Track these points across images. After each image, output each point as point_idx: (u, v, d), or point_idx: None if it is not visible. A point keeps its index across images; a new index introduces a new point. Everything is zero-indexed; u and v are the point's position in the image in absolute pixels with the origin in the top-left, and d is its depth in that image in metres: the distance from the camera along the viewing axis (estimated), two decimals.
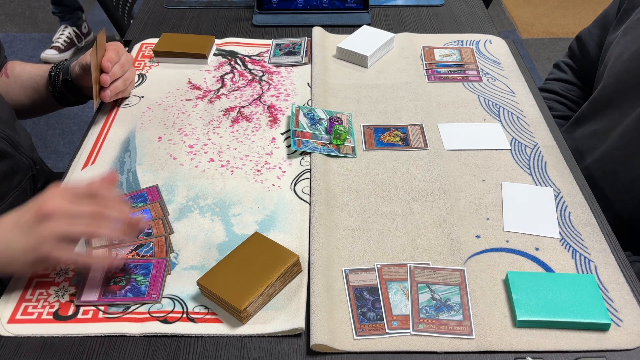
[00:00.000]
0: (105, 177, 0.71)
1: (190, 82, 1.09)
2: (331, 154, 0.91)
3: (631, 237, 0.93)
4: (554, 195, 0.84)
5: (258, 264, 0.71)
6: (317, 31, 1.19)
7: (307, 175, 0.88)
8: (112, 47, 0.97)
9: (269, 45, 1.19)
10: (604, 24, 1.13)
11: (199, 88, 1.07)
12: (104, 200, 0.68)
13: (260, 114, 1.01)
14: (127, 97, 1.05)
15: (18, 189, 0.91)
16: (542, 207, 0.82)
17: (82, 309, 0.70)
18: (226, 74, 1.11)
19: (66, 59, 1.11)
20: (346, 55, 1.13)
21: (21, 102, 1.04)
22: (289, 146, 0.94)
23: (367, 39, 1.14)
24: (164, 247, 0.77)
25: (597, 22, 1.16)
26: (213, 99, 1.04)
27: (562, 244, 0.77)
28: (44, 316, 0.69)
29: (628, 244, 0.90)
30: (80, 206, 0.66)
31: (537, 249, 0.76)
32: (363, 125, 0.97)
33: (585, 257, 0.75)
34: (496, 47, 1.16)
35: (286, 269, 0.71)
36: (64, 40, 2.71)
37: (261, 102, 1.04)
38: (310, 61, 1.13)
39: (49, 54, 2.65)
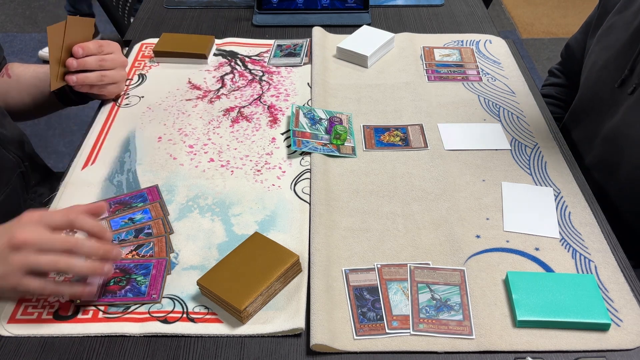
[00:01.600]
0: (92, 206, 0.68)
1: (190, 82, 1.09)
2: (331, 154, 0.91)
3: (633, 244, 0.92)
4: (554, 195, 0.84)
5: (258, 264, 0.71)
6: (317, 31, 1.19)
7: (307, 175, 0.88)
8: (98, 42, 0.95)
9: (269, 45, 1.19)
10: (587, 29, 1.12)
11: (199, 88, 1.07)
12: (82, 228, 0.64)
13: (260, 114, 1.01)
14: (124, 97, 1.05)
15: (8, 187, 0.90)
16: (542, 207, 0.82)
17: (82, 309, 0.70)
18: (226, 74, 1.11)
19: None
20: (346, 55, 1.13)
21: (23, 102, 1.04)
22: (289, 146, 0.94)
23: (367, 39, 1.14)
24: (164, 247, 0.77)
25: (582, 28, 1.16)
26: (213, 99, 1.04)
27: (562, 244, 0.77)
28: (44, 316, 0.69)
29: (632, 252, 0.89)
30: (53, 237, 0.62)
31: (537, 249, 0.76)
32: (363, 125, 0.97)
33: (585, 257, 0.75)
34: (496, 47, 1.16)
35: (286, 269, 0.71)
36: None
37: (261, 102, 1.04)
38: (310, 61, 1.13)
39: (46, 51, 2.66)
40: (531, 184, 0.85)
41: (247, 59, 1.15)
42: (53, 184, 0.87)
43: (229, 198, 0.85)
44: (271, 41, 1.20)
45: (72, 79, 0.93)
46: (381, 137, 0.94)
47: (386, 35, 1.15)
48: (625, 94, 0.91)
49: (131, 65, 1.13)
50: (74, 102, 1.04)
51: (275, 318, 0.68)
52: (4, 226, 0.65)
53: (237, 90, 1.07)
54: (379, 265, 0.74)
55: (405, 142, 0.93)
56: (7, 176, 0.91)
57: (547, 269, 0.73)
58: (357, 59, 1.12)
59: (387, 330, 0.67)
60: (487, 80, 1.07)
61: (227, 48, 1.18)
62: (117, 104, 1.03)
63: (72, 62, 0.92)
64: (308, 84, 1.08)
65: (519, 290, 0.69)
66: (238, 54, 1.16)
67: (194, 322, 0.68)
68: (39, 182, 1.01)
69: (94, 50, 0.94)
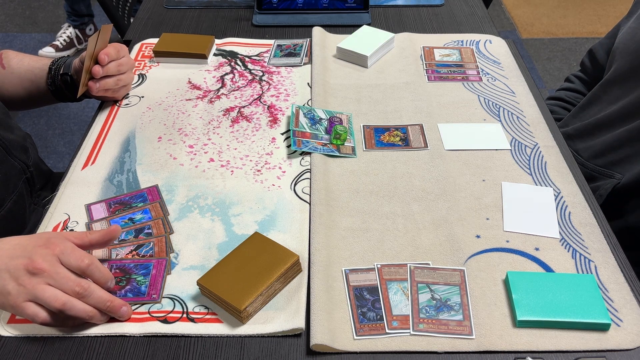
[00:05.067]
0: (106, 231, 0.70)
1: (190, 82, 1.09)
2: (331, 154, 0.91)
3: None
4: (554, 195, 0.84)
5: (258, 264, 0.71)
6: (317, 31, 1.19)
7: (307, 175, 0.88)
8: (114, 46, 0.97)
9: (269, 45, 1.19)
10: (615, 33, 1.13)
11: (199, 88, 1.07)
12: (91, 278, 0.67)
13: (260, 114, 1.01)
14: (124, 98, 1.05)
15: (15, 194, 0.91)
16: (542, 207, 0.82)
17: None
18: (226, 74, 1.11)
19: (68, 55, 1.11)
20: (346, 55, 1.13)
21: (17, 93, 1.04)
22: (289, 146, 0.94)
23: (367, 39, 1.14)
24: (164, 247, 0.77)
25: (609, 34, 1.17)
26: (213, 99, 1.04)
27: (562, 244, 0.77)
28: None
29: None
30: (67, 277, 0.64)
31: (537, 249, 0.76)
32: (363, 125, 0.97)
33: (585, 257, 0.75)
34: (496, 47, 1.16)
35: (286, 269, 0.71)
36: (64, 40, 2.71)
37: (261, 102, 1.04)
38: (310, 61, 1.13)
39: (46, 51, 2.66)
40: (531, 184, 0.85)
41: (247, 59, 1.15)
42: (56, 188, 0.88)
43: (229, 198, 0.85)
44: (271, 41, 1.20)
45: (94, 86, 0.95)
46: (381, 137, 0.94)
47: (386, 35, 1.15)
48: None
49: None
50: (68, 98, 1.05)
51: (275, 318, 0.68)
52: (28, 243, 0.66)
53: (237, 90, 1.07)
54: (379, 265, 0.74)
55: (405, 142, 0.93)
56: (14, 183, 0.92)
57: (547, 269, 0.73)
58: (357, 59, 1.12)
59: (387, 330, 0.67)
60: (487, 80, 1.07)
61: (227, 48, 1.18)
62: (117, 104, 1.03)
63: (98, 70, 0.93)
64: (308, 84, 1.08)
65: (519, 290, 0.69)
66: (238, 54, 1.16)
67: (194, 322, 0.68)
68: (43, 186, 1.01)
69: (114, 55, 0.96)
